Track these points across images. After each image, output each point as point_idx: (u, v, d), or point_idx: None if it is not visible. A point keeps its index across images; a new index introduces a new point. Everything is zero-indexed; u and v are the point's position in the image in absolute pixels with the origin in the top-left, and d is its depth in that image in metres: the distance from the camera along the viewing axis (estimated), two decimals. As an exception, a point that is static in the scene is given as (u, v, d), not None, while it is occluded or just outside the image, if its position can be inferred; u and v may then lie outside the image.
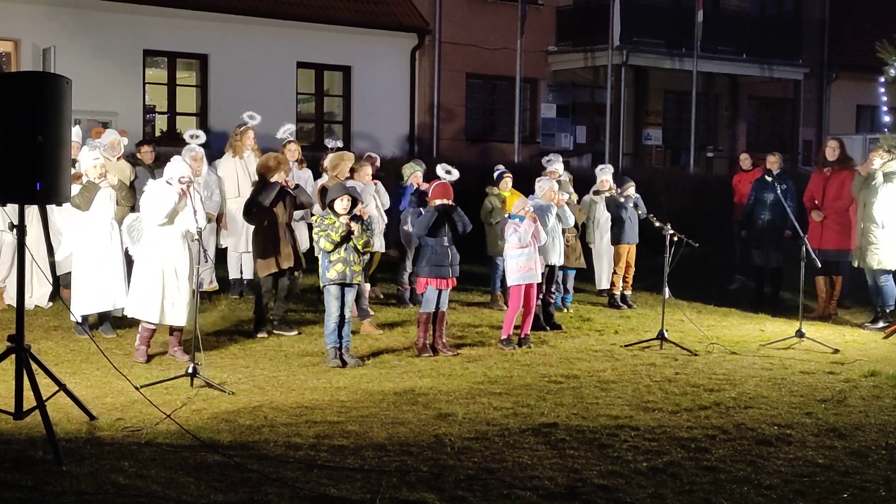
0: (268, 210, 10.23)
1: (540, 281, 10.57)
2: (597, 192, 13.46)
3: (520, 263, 10.22)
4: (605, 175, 13.34)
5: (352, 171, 11.52)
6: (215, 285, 12.35)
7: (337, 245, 9.19)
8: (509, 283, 10.40)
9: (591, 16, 23.05)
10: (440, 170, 10.56)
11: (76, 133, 11.09)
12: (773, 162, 13.74)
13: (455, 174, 10.50)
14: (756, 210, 13.38)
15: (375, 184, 11.87)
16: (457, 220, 9.85)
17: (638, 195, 13.08)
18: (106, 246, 9.79)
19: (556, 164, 12.80)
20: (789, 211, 12.09)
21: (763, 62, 24.68)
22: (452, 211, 9.82)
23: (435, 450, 6.50)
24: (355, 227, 9.24)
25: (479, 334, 10.90)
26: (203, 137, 12.17)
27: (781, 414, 7.71)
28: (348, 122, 21.45)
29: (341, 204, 9.30)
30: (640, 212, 12.71)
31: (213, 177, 12.02)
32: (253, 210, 10.30)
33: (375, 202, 11.73)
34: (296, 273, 10.84)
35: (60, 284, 10.97)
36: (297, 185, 10.74)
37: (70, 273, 10.31)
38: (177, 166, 9.13)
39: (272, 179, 10.31)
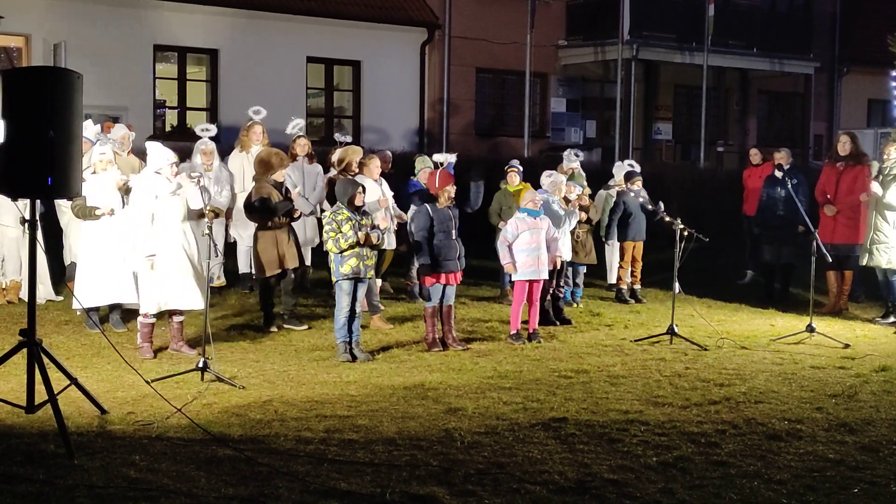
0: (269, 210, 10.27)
1: (546, 278, 10.55)
2: (608, 188, 13.48)
3: (526, 259, 10.22)
4: (619, 173, 13.35)
5: (360, 165, 11.52)
6: (223, 281, 12.37)
7: (343, 251, 9.17)
8: (514, 277, 10.41)
9: (601, 10, 23.00)
10: (438, 158, 10.58)
11: (91, 129, 11.12)
12: (781, 157, 13.69)
13: (453, 158, 10.50)
14: (768, 206, 13.35)
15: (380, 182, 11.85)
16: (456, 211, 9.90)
17: (644, 190, 13.04)
18: (114, 240, 9.78)
19: (574, 163, 12.83)
20: (800, 206, 12.05)
21: (774, 57, 24.60)
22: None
23: (445, 444, 6.51)
24: (372, 235, 9.25)
25: (489, 329, 10.90)
26: (214, 130, 12.19)
27: (792, 409, 7.70)
28: (358, 116, 21.46)
29: (359, 199, 9.31)
30: (649, 206, 12.67)
31: (224, 172, 12.03)
32: (255, 207, 10.33)
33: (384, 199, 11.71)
34: (299, 271, 10.80)
35: (66, 276, 11.03)
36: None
37: (74, 264, 10.37)
38: (160, 153, 9.10)
39: (274, 178, 10.33)
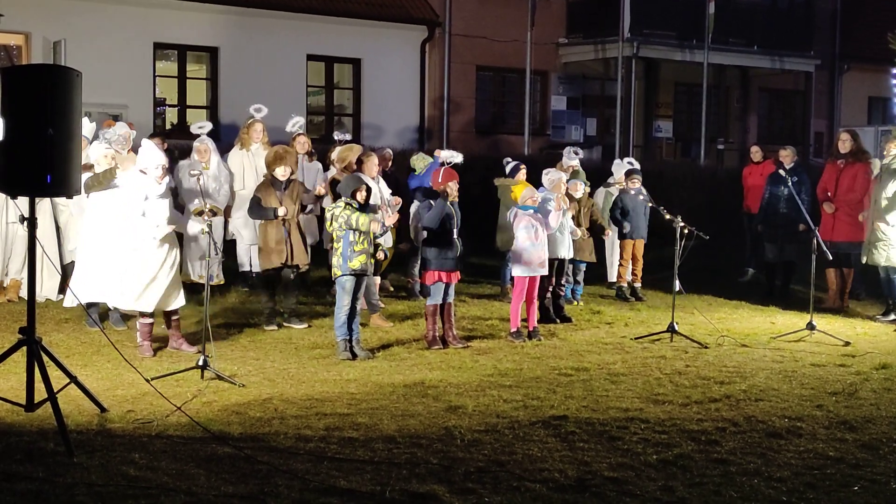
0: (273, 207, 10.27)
1: (546, 274, 10.54)
2: (608, 185, 13.48)
3: (525, 254, 10.22)
4: (619, 171, 13.35)
5: (359, 162, 11.49)
6: (221, 279, 12.36)
7: (356, 229, 9.15)
8: (514, 273, 10.41)
9: (601, 7, 22.98)
10: (444, 155, 10.56)
11: (87, 126, 11.11)
12: (786, 156, 13.71)
13: (459, 157, 10.48)
14: (771, 204, 13.36)
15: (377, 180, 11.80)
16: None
17: (643, 188, 13.05)
18: (114, 236, 9.71)
19: (573, 161, 12.83)
20: (801, 204, 12.06)
21: (774, 54, 24.59)
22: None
23: (445, 442, 6.51)
24: (377, 226, 9.28)
25: (490, 327, 10.90)
26: (208, 127, 12.15)
27: (792, 406, 7.70)
28: (358, 114, 21.45)
29: (362, 195, 9.32)
30: (650, 203, 12.67)
31: (224, 171, 12.02)
32: (256, 208, 10.34)
33: (381, 197, 11.68)
34: (301, 268, 10.78)
35: (68, 275, 11.01)
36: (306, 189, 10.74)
37: (73, 263, 10.34)
38: (152, 155, 9.06)
39: (275, 174, 10.34)
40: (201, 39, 19.61)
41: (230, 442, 6.34)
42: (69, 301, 10.29)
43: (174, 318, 9.33)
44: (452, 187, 9.88)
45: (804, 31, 25.34)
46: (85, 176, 8.90)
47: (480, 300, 12.52)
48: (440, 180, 10.01)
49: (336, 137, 13.49)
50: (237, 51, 19.71)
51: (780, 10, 25.94)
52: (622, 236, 13.08)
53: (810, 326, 10.72)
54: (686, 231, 10.61)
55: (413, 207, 11.94)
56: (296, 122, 12.85)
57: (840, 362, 9.45)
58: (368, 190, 9.53)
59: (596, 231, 12.58)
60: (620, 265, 13.20)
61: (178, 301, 9.20)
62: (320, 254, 12.21)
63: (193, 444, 6.31)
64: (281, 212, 10.25)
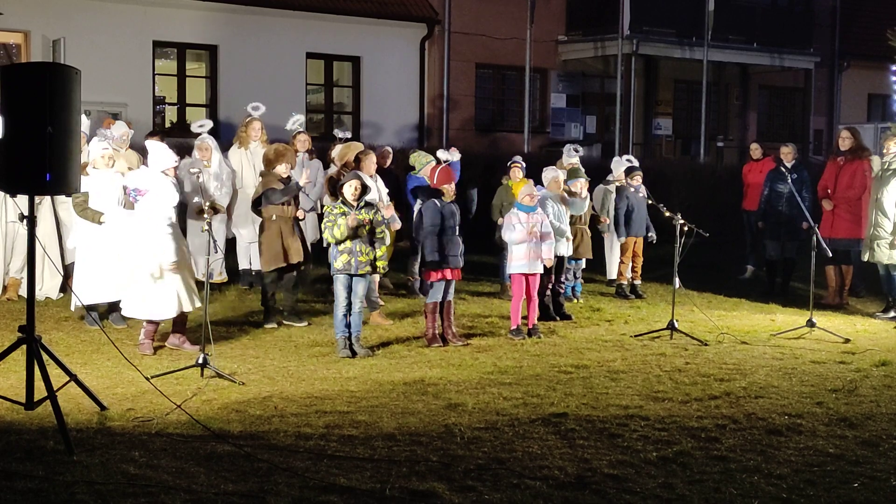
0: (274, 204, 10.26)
1: (542, 272, 10.52)
2: (608, 183, 13.48)
3: (522, 253, 10.21)
4: (619, 169, 13.34)
5: (357, 160, 11.48)
6: (224, 277, 12.36)
7: (340, 241, 9.16)
8: (510, 271, 10.41)
9: (601, 5, 22.99)
10: (442, 154, 10.54)
11: (84, 124, 11.10)
12: (787, 153, 13.72)
13: (457, 155, 10.46)
14: (772, 201, 13.36)
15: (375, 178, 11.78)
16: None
17: (644, 185, 13.04)
18: (113, 236, 9.72)
19: (573, 158, 12.84)
20: (800, 202, 12.06)
21: (774, 51, 24.59)
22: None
23: (444, 440, 6.51)
24: (362, 217, 9.22)
25: (489, 324, 10.89)
26: (208, 125, 12.14)
27: (792, 404, 7.70)
28: (358, 112, 21.45)
29: (349, 189, 9.29)
30: (649, 200, 12.67)
31: (226, 169, 12.01)
32: (261, 204, 10.33)
33: (379, 195, 11.66)
34: (302, 267, 10.77)
35: (69, 275, 11.01)
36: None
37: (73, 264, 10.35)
38: (166, 155, 9.08)
39: (277, 172, 10.32)
40: (200, 37, 19.61)
41: (230, 440, 6.34)
42: (74, 305, 10.29)
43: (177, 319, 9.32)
44: (449, 189, 9.88)
45: (804, 28, 25.36)
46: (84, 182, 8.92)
47: (480, 298, 12.51)
48: (435, 181, 10.00)
49: (337, 135, 13.49)
50: (236, 49, 19.71)
51: (780, 7, 25.95)
52: (622, 234, 13.06)
53: (810, 323, 10.72)
54: (686, 228, 10.61)
55: (417, 206, 11.91)
56: (296, 120, 12.85)
57: (840, 359, 9.45)
58: (366, 188, 9.50)
59: (592, 223, 12.62)
60: (621, 262, 13.19)
61: (195, 303, 9.17)
62: (321, 252, 12.20)
63: (193, 442, 6.31)
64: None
